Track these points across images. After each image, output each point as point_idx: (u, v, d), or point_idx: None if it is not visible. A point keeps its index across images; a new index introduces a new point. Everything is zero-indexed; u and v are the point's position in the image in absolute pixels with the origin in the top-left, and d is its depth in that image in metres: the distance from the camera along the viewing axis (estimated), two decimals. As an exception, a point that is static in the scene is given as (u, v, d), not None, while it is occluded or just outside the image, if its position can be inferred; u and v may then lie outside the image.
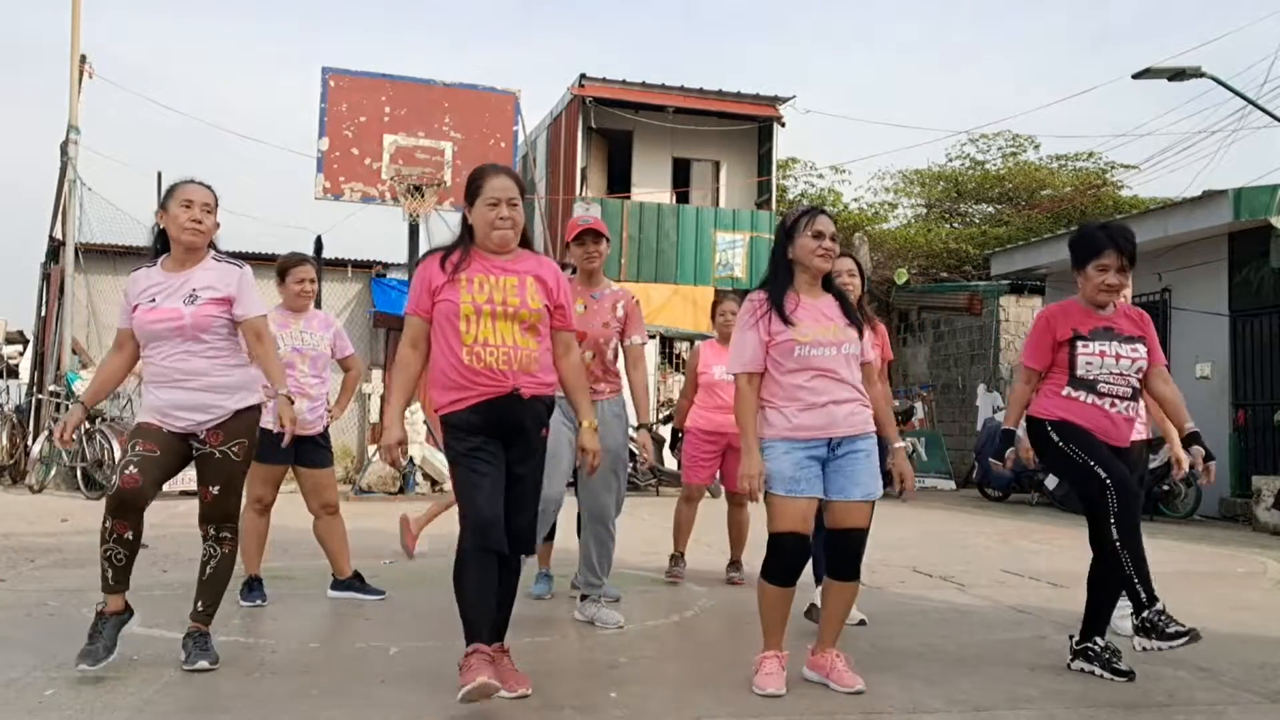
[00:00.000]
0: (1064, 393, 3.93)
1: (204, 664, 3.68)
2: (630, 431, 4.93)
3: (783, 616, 3.65)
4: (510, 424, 3.47)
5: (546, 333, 3.59)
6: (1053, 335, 3.96)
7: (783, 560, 3.57)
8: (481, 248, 3.56)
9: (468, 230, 3.59)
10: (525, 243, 3.64)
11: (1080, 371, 3.90)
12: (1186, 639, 3.62)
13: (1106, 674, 3.79)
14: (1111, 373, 3.88)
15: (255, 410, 3.91)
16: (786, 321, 3.59)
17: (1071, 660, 3.96)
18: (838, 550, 3.66)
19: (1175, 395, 4.00)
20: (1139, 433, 4.29)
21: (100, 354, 12.33)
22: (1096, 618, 3.91)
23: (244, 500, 5.08)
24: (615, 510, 4.73)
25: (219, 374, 3.80)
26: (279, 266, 5.28)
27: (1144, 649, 3.72)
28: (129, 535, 3.67)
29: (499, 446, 3.47)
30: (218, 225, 3.91)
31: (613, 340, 4.73)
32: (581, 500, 4.76)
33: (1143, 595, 3.72)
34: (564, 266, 4.88)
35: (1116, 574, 3.78)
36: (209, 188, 3.88)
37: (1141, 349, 3.92)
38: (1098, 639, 3.88)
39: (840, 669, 3.62)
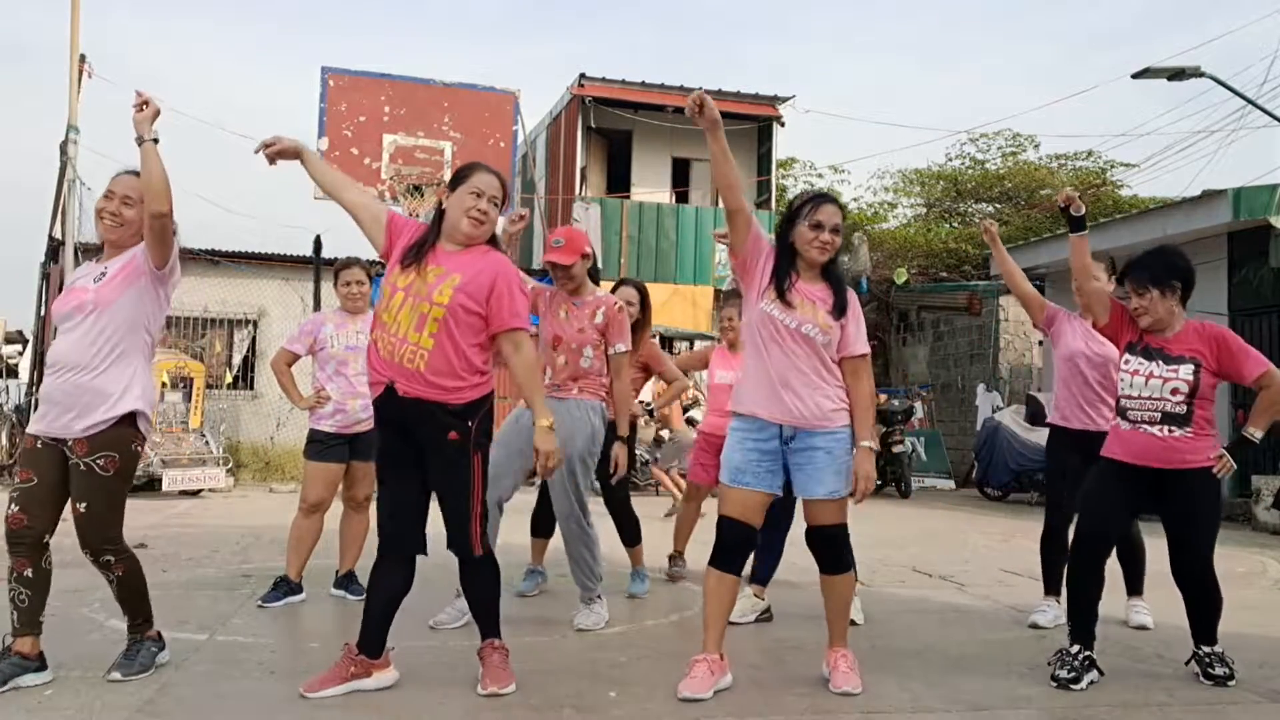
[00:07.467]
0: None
1: (116, 676, 3.49)
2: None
3: (720, 611, 3.62)
4: (400, 424, 3.41)
5: (464, 333, 3.37)
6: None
7: (722, 543, 3.62)
8: (445, 238, 3.50)
9: (438, 219, 3.52)
10: (493, 243, 3.58)
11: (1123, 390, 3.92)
12: (1081, 685, 3.70)
13: (1204, 680, 3.80)
14: (1141, 394, 3.85)
15: (132, 422, 3.47)
16: (783, 299, 3.58)
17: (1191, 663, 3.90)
18: (814, 545, 3.71)
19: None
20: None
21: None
22: (1197, 624, 3.91)
23: (302, 502, 5.07)
24: (582, 510, 4.62)
25: (103, 365, 3.42)
26: (334, 270, 5.35)
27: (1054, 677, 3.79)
28: (29, 573, 3.42)
29: (408, 452, 3.45)
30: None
31: (587, 346, 4.66)
32: (552, 500, 4.68)
33: (1071, 634, 3.85)
34: (544, 274, 4.79)
35: (1200, 587, 3.84)
36: (137, 175, 3.54)
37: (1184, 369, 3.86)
38: (1203, 645, 3.88)
39: (842, 669, 3.62)
